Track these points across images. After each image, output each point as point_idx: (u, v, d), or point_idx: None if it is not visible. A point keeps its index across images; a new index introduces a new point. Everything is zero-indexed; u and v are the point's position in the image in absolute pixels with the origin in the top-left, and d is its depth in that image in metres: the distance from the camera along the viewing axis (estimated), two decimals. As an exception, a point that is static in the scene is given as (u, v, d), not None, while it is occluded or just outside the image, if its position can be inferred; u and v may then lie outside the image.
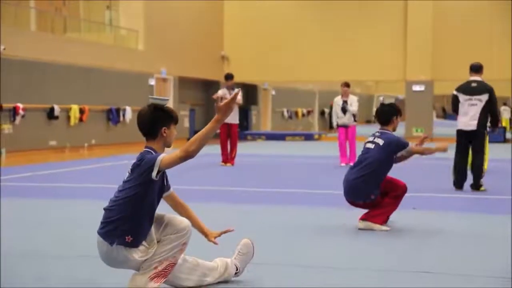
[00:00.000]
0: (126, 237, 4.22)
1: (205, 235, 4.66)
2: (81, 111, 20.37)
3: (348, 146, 14.90)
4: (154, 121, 4.32)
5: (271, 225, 7.21)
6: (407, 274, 5.04)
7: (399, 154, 7.10)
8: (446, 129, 26.34)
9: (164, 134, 4.33)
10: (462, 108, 10.48)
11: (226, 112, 4.09)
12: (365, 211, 7.04)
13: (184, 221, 4.37)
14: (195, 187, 10.39)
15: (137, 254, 4.28)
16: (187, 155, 4.08)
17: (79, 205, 8.69)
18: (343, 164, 14.56)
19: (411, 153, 7.07)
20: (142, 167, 4.20)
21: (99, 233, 4.29)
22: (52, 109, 19.23)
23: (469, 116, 10.38)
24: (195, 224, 4.60)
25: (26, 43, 18.63)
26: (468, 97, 10.44)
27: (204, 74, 28.29)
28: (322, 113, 41.62)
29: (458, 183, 10.47)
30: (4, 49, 17.55)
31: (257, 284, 4.73)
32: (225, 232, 4.69)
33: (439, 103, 50.44)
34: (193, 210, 4.66)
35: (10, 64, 17.87)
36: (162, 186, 4.39)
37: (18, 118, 17.93)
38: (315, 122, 39.91)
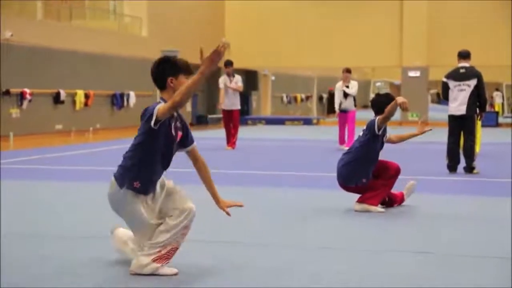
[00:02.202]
0: (135, 183, 4.31)
1: (217, 201, 4.63)
2: (86, 96, 20.34)
3: (347, 130, 14.88)
4: (161, 72, 4.37)
5: (268, 207, 7.21)
6: (402, 255, 5.04)
7: (386, 138, 7.11)
8: (440, 114, 26.29)
9: (172, 84, 4.36)
10: (452, 94, 10.52)
11: (209, 65, 4.10)
12: (358, 196, 7.04)
13: (189, 203, 4.38)
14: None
15: (138, 206, 4.32)
16: (174, 104, 4.15)
17: (86, 187, 8.68)
18: (342, 146, 14.54)
19: (386, 117, 6.83)
20: (145, 116, 4.28)
21: (114, 175, 4.40)
22: (58, 94, 19.19)
23: (458, 101, 10.42)
24: (209, 188, 4.62)
25: (33, 30, 18.56)
26: (457, 83, 10.47)
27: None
28: (320, 98, 41.54)
29: (452, 166, 10.49)
30: (12, 35, 17.49)
31: (251, 264, 4.72)
32: (236, 205, 4.65)
33: (434, 88, 50.36)
34: (208, 180, 4.63)
35: (18, 50, 17.82)
36: (170, 138, 4.37)
37: (25, 103, 17.90)
38: (313, 107, 39.85)
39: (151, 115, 4.23)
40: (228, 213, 4.59)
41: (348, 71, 14.85)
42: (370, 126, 6.95)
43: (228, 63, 15.16)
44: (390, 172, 6.97)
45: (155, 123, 4.23)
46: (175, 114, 4.38)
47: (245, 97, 30.56)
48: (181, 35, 25.63)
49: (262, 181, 9.54)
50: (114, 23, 23.97)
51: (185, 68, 4.40)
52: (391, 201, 7.12)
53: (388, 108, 6.81)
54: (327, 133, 20.36)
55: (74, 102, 19.96)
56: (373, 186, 6.94)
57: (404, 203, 7.32)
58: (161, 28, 24.54)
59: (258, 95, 33.37)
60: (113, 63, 21.69)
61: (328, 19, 28.58)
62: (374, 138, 6.95)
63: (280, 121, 28.96)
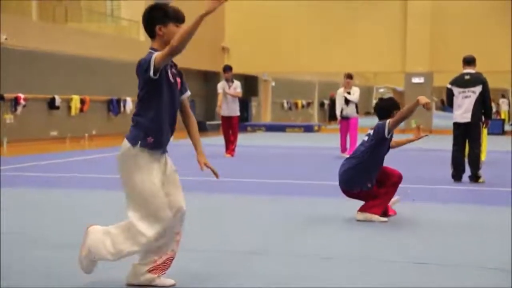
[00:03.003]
0: (148, 138, 4.24)
1: (197, 153, 4.60)
2: (82, 102, 20.36)
3: (349, 137, 14.89)
4: (149, 20, 4.35)
5: (269, 215, 7.21)
6: (405, 265, 5.04)
7: (392, 142, 7.15)
8: (445, 121, 26.33)
9: (161, 33, 4.32)
10: (456, 101, 10.53)
11: (212, 6, 4.06)
12: (362, 203, 7.05)
13: (180, 204, 4.35)
14: (197, 178, 10.40)
15: (153, 165, 4.23)
16: (172, 50, 4.11)
17: (81, 195, 8.69)
18: (344, 154, 14.55)
19: (401, 118, 6.84)
20: (141, 68, 4.25)
21: (125, 136, 4.33)
22: (53, 99, 19.21)
23: (463, 108, 10.42)
24: (193, 139, 4.58)
25: (28, 33, 18.59)
26: (462, 89, 10.48)
27: (205, 65, 28.26)
28: (321, 104, 41.59)
29: (457, 175, 10.49)
30: (6, 39, 17.52)
31: (251, 273, 4.73)
32: (213, 171, 4.58)
33: (438, 95, 50.39)
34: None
35: (12, 54, 17.84)
36: (171, 85, 4.35)
37: (19, 108, 17.92)
38: (314, 113, 39.88)
39: (149, 65, 4.19)
40: (202, 168, 4.54)
41: (349, 76, 14.83)
42: (379, 129, 6.93)
43: (227, 68, 15.15)
44: (393, 179, 6.99)
45: (154, 72, 4.20)
46: (170, 61, 4.34)
47: (244, 103, 30.59)
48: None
49: (261, 190, 9.54)
50: (111, 26, 24.02)
51: (175, 16, 4.35)
52: (386, 210, 7.12)
53: (406, 109, 6.77)
54: (328, 140, 20.36)
55: (69, 108, 19.97)
56: (375, 194, 6.95)
57: (407, 212, 7.34)
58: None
59: (258, 101, 33.40)
60: (110, 68, 21.71)
61: (330, 23, 28.64)
62: (381, 142, 6.93)
63: (280, 128, 28.99)
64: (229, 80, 15.07)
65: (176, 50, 4.11)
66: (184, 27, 4.15)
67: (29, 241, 5.75)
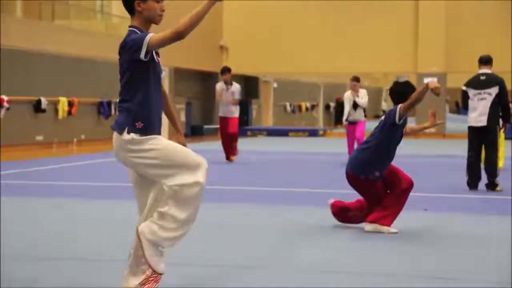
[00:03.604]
0: (136, 124, 4.24)
1: (176, 131, 4.67)
2: (70, 104, 20.36)
3: (356, 142, 14.85)
4: None
5: (269, 225, 7.20)
6: (416, 280, 5.03)
7: (407, 130, 7.17)
8: (460, 125, 26.32)
9: (139, 9, 4.34)
10: (471, 103, 10.53)
11: None
12: (365, 212, 7.03)
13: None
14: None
15: (159, 140, 4.23)
16: (177, 34, 4.11)
17: (68, 205, 8.68)
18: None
19: (411, 103, 6.79)
20: (129, 49, 4.22)
21: (112, 127, 4.31)
22: (39, 102, 19.21)
23: (478, 111, 10.42)
24: (172, 118, 4.64)
25: (12, 30, 18.59)
26: (477, 91, 10.48)
27: (202, 65, 28.27)
28: (327, 107, 41.61)
29: (472, 183, 10.47)
30: (-12, 37, 17.53)
31: (249, 286, 4.72)
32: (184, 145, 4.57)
33: (453, 97, 50.42)
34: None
35: (-5, 53, 17.85)
36: (157, 68, 4.37)
37: (2, 111, 17.91)
38: (319, 117, 39.89)
39: (140, 46, 4.17)
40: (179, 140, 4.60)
41: (356, 79, 14.73)
42: (389, 114, 6.91)
43: (226, 70, 15.08)
44: (402, 186, 6.94)
45: (145, 54, 4.19)
46: None
47: (244, 106, 30.60)
48: (178, 42, 25.66)
49: (261, 198, 9.53)
50: (101, 23, 24.04)
51: None
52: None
53: (415, 94, 6.77)
54: (334, 145, 20.35)
55: (56, 111, 19.98)
56: (384, 203, 6.93)
57: (419, 223, 7.32)
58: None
59: (259, 103, 33.42)
60: (100, 68, 21.73)
61: (336, 20, 28.64)
62: (392, 128, 6.89)
63: (283, 132, 29.00)
64: (228, 83, 15.01)
65: (180, 36, 4.12)
66: (193, 12, 4.13)
67: (8, 254, 5.74)
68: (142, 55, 4.19)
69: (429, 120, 7.29)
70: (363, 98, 14.67)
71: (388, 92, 7.31)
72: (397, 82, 7.36)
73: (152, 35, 4.19)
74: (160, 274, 4.28)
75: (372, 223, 6.92)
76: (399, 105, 6.88)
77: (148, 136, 4.25)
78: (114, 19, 24.27)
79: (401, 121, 6.90)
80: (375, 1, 28.13)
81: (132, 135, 4.23)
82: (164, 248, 4.25)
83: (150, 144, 4.23)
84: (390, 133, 6.93)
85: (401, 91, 7.06)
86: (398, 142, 7.06)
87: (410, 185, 6.98)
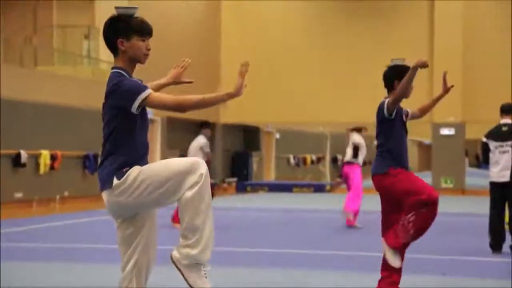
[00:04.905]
0: (124, 170, 4.29)
1: (173, 76, 4.96)
2: (53, 158, 20.38)
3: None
4: (109, 33, 4.39)
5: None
6: None
7: (409, 116, 6.94)
8: (480, 180, 26.31)
9: (123, 48, 4.38)
10: (493, 156, 10.55)
11: (238, 92, 4.26)
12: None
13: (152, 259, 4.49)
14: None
15: (138, 183, 4.28)
16: (179, 107, 4.24)
17: (49, 269, 8.63)
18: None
19: (399, 95, 6.47)
20: (120, 96, 4.26)
21: (100, 190, 4.35)
22: (18, 155, 19.24)
23: (500, 165, 10.43)
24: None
25: (-10, 78, 18.73)
26: (498, 143, 10.51)
27: (197, 114, 28.33)
28: (334, 160, 41.66)
29: (496, 245, 10.42)
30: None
31: None
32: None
33: (472, 149, 50.52)
34: None
35: (-29, 102, 17.95)
36: (147, 121, 4.44)
37: (-22, 166, 17.93)
38: (326, 170, 39.90)
39: (134, 98, 4.23)
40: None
41: (356, 130, 14.83)
42: (378, 110, 6.62)
43: (204, 124, 15.10)
44: (421, 197, 6.12)
45: (137, 108, 4.26)
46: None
47: (244, 159, 30.69)
48: (169, 88, 25.83)
49: (259, 260, 9.50)
50: (88, 69, 24.21)
51: (139, 28, 4.41)
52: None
53: (404, 80, 6.41)
54: (342, 202, 20.26)
55: (37, 165, 19.99)
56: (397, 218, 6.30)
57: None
58: (144, 76, 24.69)
59: (260, 156, 33.45)
60: (86, 118, 21.81)
61: (343, 65, 28.82)
62: (387, 122, 6.55)
63: (286, 188, 28.96)
64: (208, 137, 15.21)
65: (181, 111, 4.24)
66: (204, 96, 4.26)
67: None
68: (134, 109, 4.25)
69: (442, 87, 7.01)
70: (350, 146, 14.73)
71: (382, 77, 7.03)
72: (389, 66, 6.99)
73: (152, 93, 4.26)
74: None
75: (383, 241, 6.31)
76: (387, 99, 6.55)
77: (128, 170, 4.30)
78: (102, 65, 24.44)
79: (393, 114, 6.54)
80: (387, 44, 28.33)
81: (120, 183, 4.29)
82: (205, 266, 4.34)
83: (134, 171, 4.29)
84: (388, 128, 6.56)
85: (386, 76, 6.80)
86: (404, 134, 6.66)
87: (430, 199, 6.13)
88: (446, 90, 7.09)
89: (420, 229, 6.15)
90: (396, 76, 6.69)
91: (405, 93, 6.43)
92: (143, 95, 4.22)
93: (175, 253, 4.32)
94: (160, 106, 4.24)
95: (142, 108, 4.33)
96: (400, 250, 6.20)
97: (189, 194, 4.24)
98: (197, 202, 4.24)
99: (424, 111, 7.26)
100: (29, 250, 10.52)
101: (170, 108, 4.23)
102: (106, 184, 4.31)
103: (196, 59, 29.80)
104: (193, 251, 4.28)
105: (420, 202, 6.09)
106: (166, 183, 4.26)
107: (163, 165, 4.32)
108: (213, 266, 8.39)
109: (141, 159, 4.38)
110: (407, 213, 6.13)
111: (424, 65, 6.28)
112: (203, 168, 4.27)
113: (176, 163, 4.31)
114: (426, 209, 6.12)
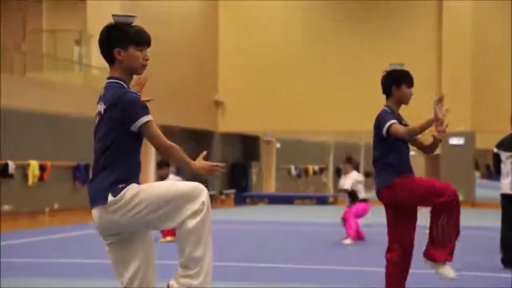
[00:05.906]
0: (120, 186, 4.30)
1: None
2: (42, 168, 20.37)
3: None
4: (106, 42, 4.40)
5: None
6: None
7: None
8: (491, 192, 26.29)
9: (120, 57, 4.38)
10: (504, 167, 10.56)
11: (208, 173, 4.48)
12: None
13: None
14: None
15: (135, 203, 4.30)
16: (165, 151, 4.38)
17: (37, 285, 8.59)
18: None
19: (409, 133, 6.52)
20: (123, 111, 4.29)
21: (91, 205, 4.35)
22: (5, 166, 19.22)
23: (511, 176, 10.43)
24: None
25: (-23, 84, 18.73)
26: (510, 153, 10.52)
27: (195, 123, 28.38)
28: (337, 170, 41.67)
29: (508, 260, 10.40)
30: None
31: None
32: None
33: (483, 160, 50.55)
34: None
35: (-44, 110, 17.94)
36: (142, 139, 4.47)
37: (-37, 177, 17.92)
38: (329, 181, 39.90)
39: (134, 119, 4.28)
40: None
41: (348, 161, 14.71)
42: (379, 123, 6.51)
43: (162, 164, 15.10)
44: (443, 199, 6.22)
45: (137, 128, 4.32)
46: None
47: (243, 170, 30.68)
48: (164, 93, 25.85)
49: (259, 276, 9.47)
50: (79, 75, 24.20)
51: (137, 38, 4.41)
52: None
53: (414, 129, 6.49)
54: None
55: (26, 176, 19.97)
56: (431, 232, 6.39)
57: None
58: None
59: (260, 166, 33.46)
60: (77, 127, 21.79)
61: (347, 72, 28.86)
62: (383, 137, 6.49)
63: (287, 200, 28.95)
64: (177, 173, 15.20)
65: (165, 155, 4.39)
66: (190, 161, 4.43)
67: None
68: (134, 128, 4.31)
69: (435, 109, 6.73)
70: (345, 183, 14.47)
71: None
72: (387, 71, 6.90)
73: (152, 123, 4.32)
74: None
75: (427, 260, 6.46)
76: (393, 123, 6.46)
77: (126, 187, 4.30)
78: (93, 71, 24.44)
79: (391, 136, 6.47)
80: (391, 54, 28.33)
81: (116, 200, 4.29)
82: None
83: (132, 189, 4.31)
84: (385, 141, 6.51)
85: (384, 81, 6.73)
86: (404, 144, 6.69)
87: (450, 196, 6.24)
88: (439, 116, 6.77)
89: (456, 226, 6.36)
90: (393, 82, 6.70)
91: (409, 137, 6.63)
92: (142, 121, 4.29)
93: (174, 283, 4.34)
94: (153, 138, 4.32)
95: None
96: (450, 259, 6.46)
97: (191, 224, 4.28)
98: (199, 232, 4.30)
99: (415, 132, 6.81)
100: (17, 266, 10.49)
101: (159, 147, 4.34)
102: (98, 200, 4.30)
103: (192, 62, 29.94)
104: (195, 282, 4.32)
105: (444, 203, 6.22)
106: (164, 207, 4.28)
107: (164, 187, 4.35)
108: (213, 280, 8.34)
109: (136, 176, 4.40)
110: (436, 220, 6.27)
111: (442, 132, 6.69)
112: (204, 195, 4.33)
113: (178, 187, 4.35)
114: (452, 206, 6.26)
